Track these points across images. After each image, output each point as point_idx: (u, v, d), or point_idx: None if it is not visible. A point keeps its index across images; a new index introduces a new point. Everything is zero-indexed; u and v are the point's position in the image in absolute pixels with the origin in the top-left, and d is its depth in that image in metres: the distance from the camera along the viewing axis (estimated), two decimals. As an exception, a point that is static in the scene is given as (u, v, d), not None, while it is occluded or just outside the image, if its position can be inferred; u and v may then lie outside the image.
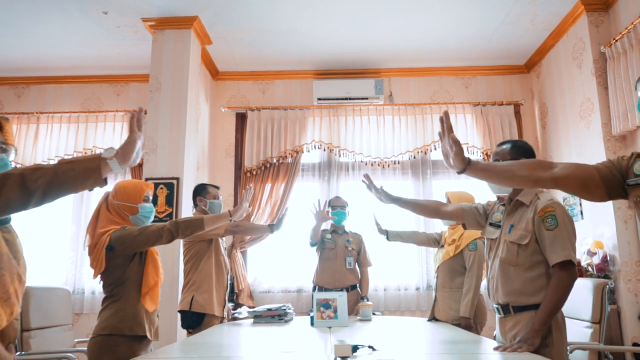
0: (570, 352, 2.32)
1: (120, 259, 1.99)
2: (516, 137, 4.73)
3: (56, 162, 1.28)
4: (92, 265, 2.02)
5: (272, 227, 3.15)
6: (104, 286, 2.06)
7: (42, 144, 4.85)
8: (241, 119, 4.97)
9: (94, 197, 4.83)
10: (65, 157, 4.75)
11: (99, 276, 2.06)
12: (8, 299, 1.27)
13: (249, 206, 2.76)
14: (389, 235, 3.38)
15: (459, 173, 1.63)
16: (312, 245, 3.66)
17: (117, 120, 4.91)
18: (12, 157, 1.38)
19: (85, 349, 2.41)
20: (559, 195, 4.33)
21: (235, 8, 3.87)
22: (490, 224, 2.11)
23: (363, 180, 2.65)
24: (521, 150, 2.01)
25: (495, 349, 1.80)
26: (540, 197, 1.91)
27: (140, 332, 2.02)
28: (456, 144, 1.60)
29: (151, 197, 2.19)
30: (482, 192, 3.04)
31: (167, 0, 3.79)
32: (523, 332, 1.78)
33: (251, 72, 5.02)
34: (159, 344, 2.57)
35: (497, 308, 1.97)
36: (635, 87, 1.41)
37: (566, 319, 2.79)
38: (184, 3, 3.82)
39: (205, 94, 4.71)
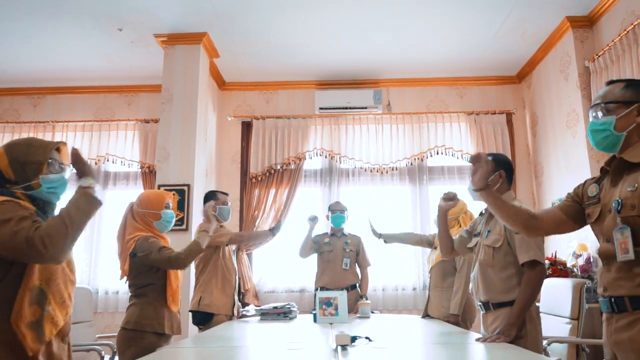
0: (548, 344, 2.56)
1: (141, 265, 2.24)
2: (508, 145, 4.97)
3: (62, 211, 1.46)
4: (120, 268, 2.27)
5: (273, 231, 3.39)
6: (129, 286, 2.32)
7: (57, 151, 5.09)
8: (247, 127, 5.22)
9: (107, 202, 5.08)
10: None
11: (125, 277, 2.31)
12: (63, 302, 1.50)
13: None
14: (384, 237, 3.61)
15: (476, 190, 1.86)
16: (303, 257, 3.96)
17: (128, 128, 5.16)
18: (67, 175, 1.63)
19: (107, 342, 2.68)
20: (550, 199, 4.57)
21: (241, 24, 4.12)
22: (475, 235, 2.35)
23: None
24: (501, 162, 2.27)
25: (477, 340, 2.05)
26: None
27: (159, 330, 2.28)
28: (487, 163, 1.82)
29: (171, 205, 2.44)
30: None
31: (178, 18, 4.04)
32: (501, 325, 2.02)
33: (256, 83, 5.27)
34: (172, 339, 2.81)
35: (480, 305, 2.21)
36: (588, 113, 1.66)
37: (548, 315, 3.06)
38: (194, 20, 4.08)
39: (212, 103, 4.96)
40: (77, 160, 1.57)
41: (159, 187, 4.03)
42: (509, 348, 1.86)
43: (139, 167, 5.06)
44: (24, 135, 5.11)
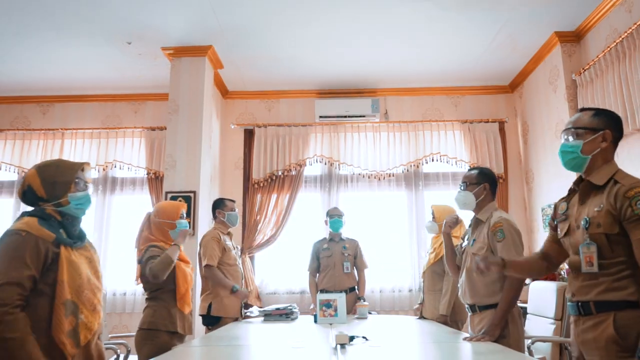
0: (532, 343, 2.76)
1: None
2: (500, 152, 5.18)
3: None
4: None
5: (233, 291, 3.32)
6: (145, 290, 2.52)
7: (66, 158, 5.27)
8: (249, 134, 5.41)
9: (114, 206, 5.28)
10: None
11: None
12: (94, 309, 1.69)
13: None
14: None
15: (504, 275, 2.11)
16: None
17: (135, 136, 5.35)
18: (90, 191, 1.82)
19: (122, 342, 2.88)
20: (540, 204, 4.77)
21: (245, 38, 4.31)
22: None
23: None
24: (486, 176, 2.47)
25: (464, 339, 2.24)
26: (493, 214, 2.36)
27: (172, 329, 2.48)
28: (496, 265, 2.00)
29: (185, 214, 2.64)
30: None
31: (184, 32, 4.23)
32: (486, 326, 2.22)
33: (258, 92, 5.47)
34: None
35: (467, 307, 2.41)
36: (560, 136, 1.85)
37: (534, 316, 3.26)
38: (200, 34, 4.26)
39: (216, 111, 5.15)
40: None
41: (167, 194, 4.22)
42: (493, 347, 2.05)
43: (145, 173, 5.25)
44: (34, 142, 5.35)
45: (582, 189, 1.74)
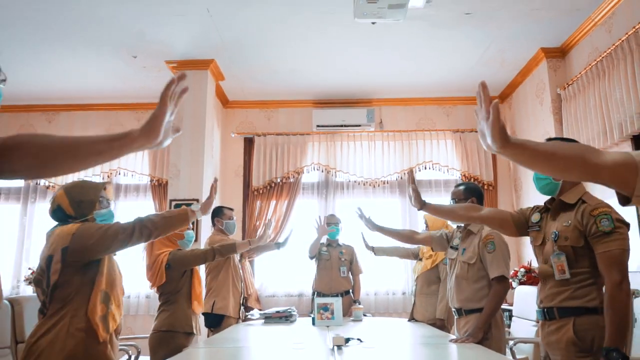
0: (514, 344, 2.97)
1: (175, 274, 2.64)
2: (490, 161, 5.39)
3: (159, 215, 1.91)
4: (150, 279, 2.66)
5: (278, 245, 3.76)
6: (160, 294, 2.71)
7: (72, 165, 5.45)
8: (249, 143, 5.61)
9: (119, 212, 5.45)
10: (94, 178, 5.38)
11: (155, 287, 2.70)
12: (119, 305, 1.90)
13: (270, 231, 3.39)
14: (375, 250, 3.99)
15: (418, 210, 2.33)
16: (311, 258, 4.31)
17: (138, 143, 5.52)
18: (112, 207, 2.03)
19: (132, 343, 3.07)
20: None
21: (245, 51, 4.51)
22: (451, 247, 2.76)
23: (356, 211, 3.30)
24: (472, 191, 2.67)
25: (450, 340, 2.45)
26: (484, 227, 2.56)
27: (188, 330, 2.68)
28: (413, 185, 2.25)
29: (192, 225, 2.83)
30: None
31: (188, 46, 4.42)
32: (471, 329, 2.42)
33: (258, 102, 5.66)
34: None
35: (454, 311, 2.62)
36: None
37: (518, 319, 3.47)
38: (203, 48, 4.46)
39: (217, 121, 5.34)
40: (211, 192, 2.33)
41: (171, 202, 4.41)
42: (476, 348, 2.25)
43: (148, 180, 5.43)
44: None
45: (555, 207, 1.95)
